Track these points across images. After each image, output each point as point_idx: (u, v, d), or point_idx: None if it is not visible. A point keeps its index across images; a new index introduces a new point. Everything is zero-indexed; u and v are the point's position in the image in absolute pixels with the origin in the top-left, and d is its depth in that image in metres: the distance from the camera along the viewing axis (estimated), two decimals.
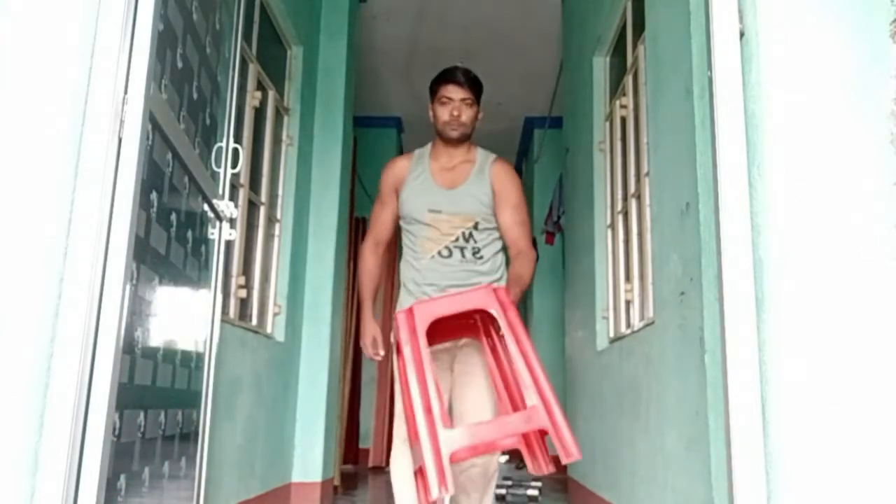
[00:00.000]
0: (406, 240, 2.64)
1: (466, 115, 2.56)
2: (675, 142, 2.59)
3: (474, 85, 2.60)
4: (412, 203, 2.59)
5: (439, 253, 2.55)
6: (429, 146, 2.71)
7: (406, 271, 2.63)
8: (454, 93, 2.57)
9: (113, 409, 1.54)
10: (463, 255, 2.54)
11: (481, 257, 2.55)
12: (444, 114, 2.58)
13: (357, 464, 6.73)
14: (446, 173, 2.61)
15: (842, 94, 1.67)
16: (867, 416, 1.54)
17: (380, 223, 2.72)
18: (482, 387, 2.51)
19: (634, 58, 3.72)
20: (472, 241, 2.54)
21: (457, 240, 2.54)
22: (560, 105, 6.18)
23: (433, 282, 2.54)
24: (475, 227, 2.54)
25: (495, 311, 2.12)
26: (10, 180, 1.48)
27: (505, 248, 2.63)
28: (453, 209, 2.55)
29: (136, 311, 1.76)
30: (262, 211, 4.09)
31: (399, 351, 2.16)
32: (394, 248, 4.53)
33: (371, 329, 2.65)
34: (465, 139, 2.61)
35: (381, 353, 2.63)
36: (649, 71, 3.07)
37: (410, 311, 2.12)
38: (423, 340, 2.05)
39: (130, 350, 1.73)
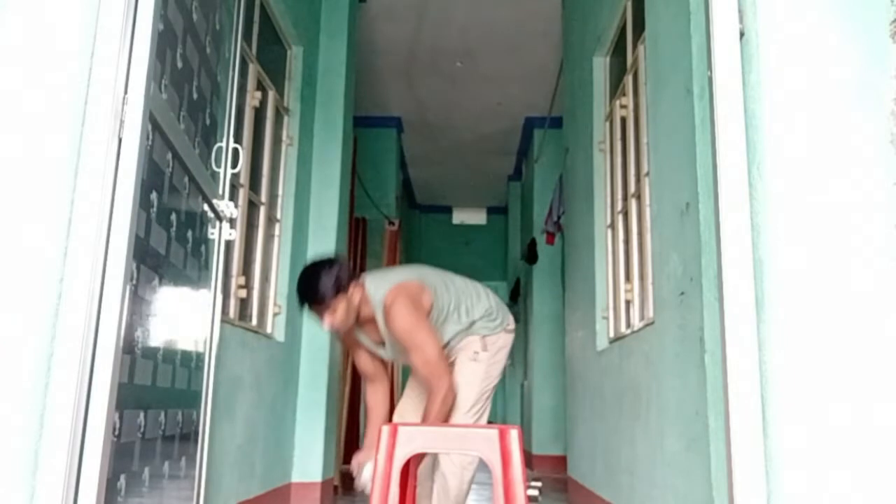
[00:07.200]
0: None
1: (339, 317, 2.51)
2: (675, 142, 2.59)
3: (328, 291, 2.48)
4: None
5: None
6: None
7: None
8: (315, 312, 2.53)
9: (113, 409, 1.54)
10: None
11: (448, 342, 2.70)
12: (323, 326, 2.57)
13: None
14: (372, 330, 2.68)
15: (842, 94, 1.66)
16: (867, 415, 1.54)
17: (358, 361, 2.85)
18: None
19: (634, 58, 3.72)
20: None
21: None
22: (560, 105, 6.17)
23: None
24: None
25: (494, 463, 1.83)
26: (10, 180, 1.48)
27: (469, 302, 2.73)
28: (396, 359, 2.75)
29: (136, 311, 1.76)
30: (262, 211, 4.09)
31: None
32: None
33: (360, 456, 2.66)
34: (356, 320, 2.60)
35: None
36: (649, 71, 3.07)
37: (395, 430, 1.91)
38: (396, 474, 1.86)
39: (130, 350, 1.73)
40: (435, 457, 2.68)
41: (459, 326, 2.70)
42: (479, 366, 2.67)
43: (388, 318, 2.53)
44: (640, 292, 3.65)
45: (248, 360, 3.58)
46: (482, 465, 2.36)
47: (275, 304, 4.19)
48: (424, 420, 2.52)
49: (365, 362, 2.80)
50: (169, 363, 2.06)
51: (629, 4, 3.77)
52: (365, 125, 7.28)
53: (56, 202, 1.50)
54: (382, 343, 2.67)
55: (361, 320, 2.62)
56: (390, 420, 2.87)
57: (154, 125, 1.78)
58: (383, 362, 2.84)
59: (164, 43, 1.86)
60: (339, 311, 2.50)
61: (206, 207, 2.41)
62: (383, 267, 6.36)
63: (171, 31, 1.95)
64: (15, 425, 1.40)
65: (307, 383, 4.52)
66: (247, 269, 3.93)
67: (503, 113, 7.61)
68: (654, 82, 2.93)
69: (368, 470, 2.52)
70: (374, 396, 2.82)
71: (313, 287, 2.48)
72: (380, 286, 2.58)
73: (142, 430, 1.85)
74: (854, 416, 1.54)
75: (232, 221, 2.65)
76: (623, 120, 3.98)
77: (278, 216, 4.34)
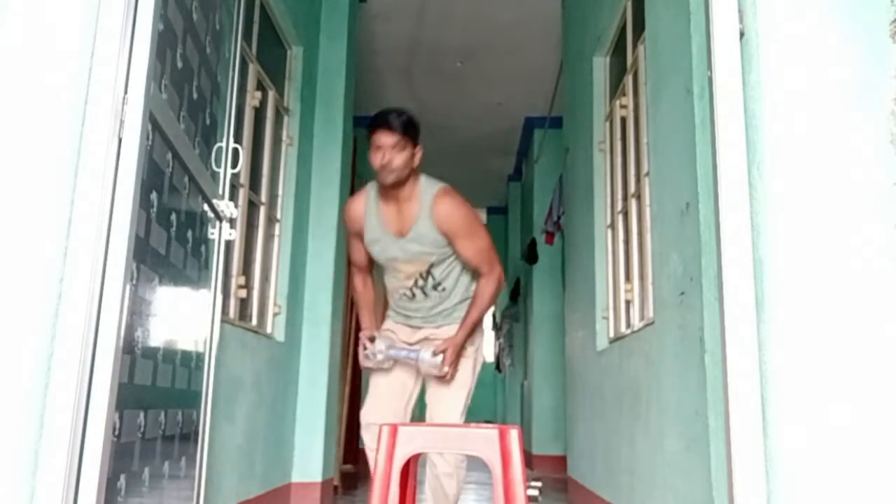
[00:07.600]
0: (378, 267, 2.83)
1: (398, 160, 2.53)
2: (675, 142, 2.59)
3: (407, 128, 2.56)
4: (372, 249, 2.73)
5: (404, 294, 2.71)
6: (377, 183, 2.70)
7: (387, 292, 2.83)
8: (383, 139, 2.54)
9: (113, 409, 1.54)
10: (426, 294, 2.68)
11: (444, 289, 2.67)
12: (375, 160, 2.55)
13: (357, 464, 6.72)
14: (395, 217, 2.64)
15: (842, 94, 1.66)
16: (867, 416, 1.54)
17: (355, 253, 2.85)
18: (452, 390, 2.63)
19: (634, 58, 3.72)
20: (430, 279, 2.65)
21: (416, 281, 2.67)
22: (560, 105, 6.17)
23: (405, 314, 2.75)
24: (431, 265, 2.64)
25: (494, 463, 1.83)
26: (9, 180, 1.48)
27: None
28: (406, 257, 2.64)
29: (136, 311, 1.76)
30: (262, 211, 4.09)
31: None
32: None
33: (367, 332, 2.74)
34: (403, 182, 2.59)
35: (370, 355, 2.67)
36: (649, 71, 3.07)
37: (394, 430, 1.90)
38: (396, 474, 1.85)
39: (130, 350, 1.73)
40: (425, 456, 2.67)
41: (467, 292, 2.68)
42: (468, 361, 2.65)
43: (441, 206, 2.56)
44: (640, 292, 3.65)
45: (248, 361, 3.58)
46: (483, 466, 2.36)
47: (275, 304, 4.19)
48: (476, 300, 2.59)
49: (360, 254, 2.82)
50: (169, 363, 2.06)
51: (629, 4, 3.77)
52: (365, 125, 7.26)
53: (56, 202, 1.50)
54: (398, 236, 2.62)
55: (396, 198, 2.60)
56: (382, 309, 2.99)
57: (154, 125, 1.78)
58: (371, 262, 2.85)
59: (164, 43, 1.86)
60: (402, 157, 2.53)
61: (206, 207, 2.41)
62: None
63: (171, 31, 1.95)
64: (15, 425, 1.40)
65: (307, 383, 4.52)
66: (247, 269, 3.93)
67: (503, 113, 7.61)
68: (654, 82, 2.93)
69: (381, 343, 2.63)
70: (365, 285, 2.90)
71: (399, 117, 2.55)
72: (431, 182, 2.64)
73: (142, 430, 1.85)
74: (854, 416, 1.54)
75: (232, 221, 2.65)
76: (623, 120, 3.98)
77: (278, 216, 4.34)
